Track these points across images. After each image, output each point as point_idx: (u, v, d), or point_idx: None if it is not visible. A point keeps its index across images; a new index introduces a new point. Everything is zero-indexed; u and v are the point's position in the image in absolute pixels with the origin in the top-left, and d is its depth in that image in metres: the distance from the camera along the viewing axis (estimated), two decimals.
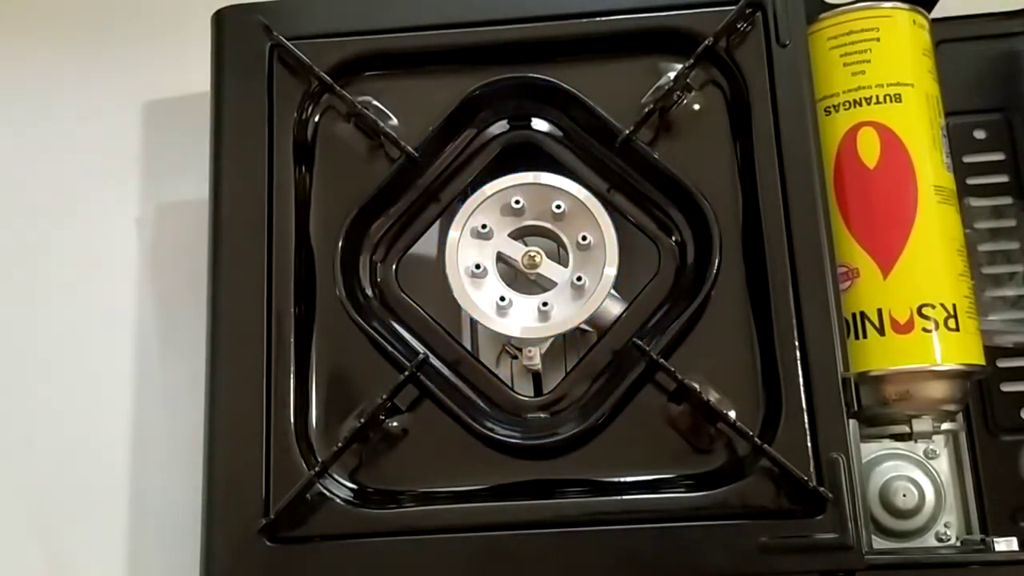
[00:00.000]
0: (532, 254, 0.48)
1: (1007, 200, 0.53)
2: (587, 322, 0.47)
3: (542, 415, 0.46)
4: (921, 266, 0.46)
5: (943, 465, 0.47)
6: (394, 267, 0.50)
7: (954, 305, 0.46)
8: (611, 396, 0.45)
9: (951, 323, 0.46)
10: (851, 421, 0.44)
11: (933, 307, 0.46)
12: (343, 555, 0.44)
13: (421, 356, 0.46)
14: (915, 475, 0.46)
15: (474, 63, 0.50)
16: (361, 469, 0.46)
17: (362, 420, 0.45)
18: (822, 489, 0.42)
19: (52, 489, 0.56)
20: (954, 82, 0.52)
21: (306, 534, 0.45)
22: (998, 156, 0.54)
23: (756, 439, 0.43)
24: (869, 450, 0.47)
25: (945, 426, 0.47)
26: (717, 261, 0.46)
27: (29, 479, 0.56)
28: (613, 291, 0.47)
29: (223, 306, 0.48)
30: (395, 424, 0.46)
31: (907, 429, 0.46)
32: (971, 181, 0.53)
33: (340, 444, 0.45)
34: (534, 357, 0.47)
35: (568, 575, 0.44)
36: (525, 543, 0.44)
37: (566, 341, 0.50)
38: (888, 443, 0.47)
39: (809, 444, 0.43)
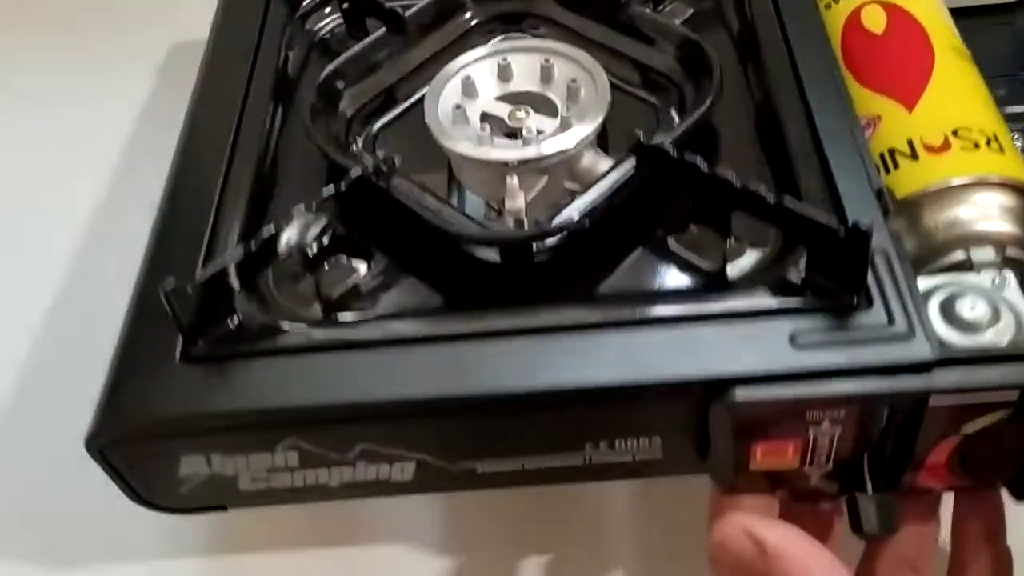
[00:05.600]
0: (518, 109, 0.44)
1: None
2: (574, 178, 0.42)
3: (525, 232, 0.39)
4: (950, 93, 0.42)
5: (1015, 296, 0.38)
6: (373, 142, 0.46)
7: (995, 133, 0.41)
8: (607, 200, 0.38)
9: (994, 145, 0.40)
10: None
11: (970, 130, 0.40)
12: (273, 371, 0.35)
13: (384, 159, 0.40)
14: (983, 291, 0.37)
15: None
16: (299, 288, 0.39)
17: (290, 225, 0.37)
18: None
19: None
20: None
21: (234, 352, 0.36)
22: None
23: (783, 200, 0.35)
24: (922, 285, 0.38)
25: (1011, 252, 0.38)
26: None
27: None
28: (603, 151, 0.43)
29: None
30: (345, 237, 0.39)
31: (964, 255, 0.38)
32: None
33: (256, 244, 0.36)
34: (518, 201, 0.42)
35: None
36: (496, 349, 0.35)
37: None
38: (944, 276, 0.39)
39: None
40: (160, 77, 0.68)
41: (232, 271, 0.36)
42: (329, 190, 0.37)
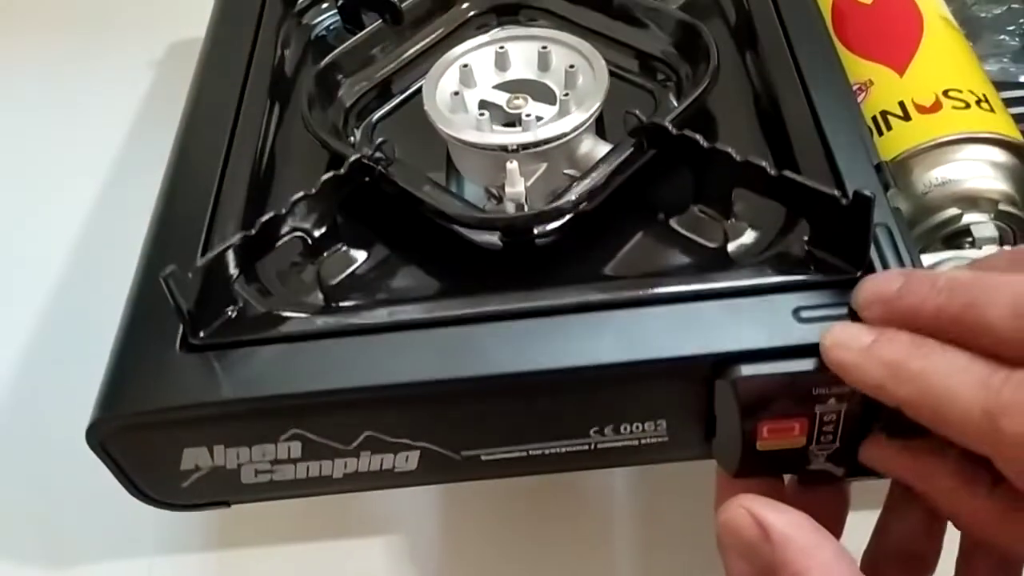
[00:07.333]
0: (517, 96, 0.44)
1: None
2: (573, 164, 0.42)
3: (526, 213, 0.39)
4: (940, 57, 0.42)
5: None
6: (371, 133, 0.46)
7: (984, 94, 0.40)
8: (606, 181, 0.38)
9: (984, 105, 0.40)
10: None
11: (960, 91, 0.40)
12: (274, 359, 0.35)
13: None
14: None
15: None
16: (299, 278, 0.38)
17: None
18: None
19: None
20: None
21: (235, 340, 0.36)
22: None
23: (784, 172, 0.34)
24: (926, 261, 0.38)
25: (1004, 207, 0.38)
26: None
27: None
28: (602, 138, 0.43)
29: None
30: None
31: (957, 212, 0.38)
32: None
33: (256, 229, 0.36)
34: (518, 187, 0.41)
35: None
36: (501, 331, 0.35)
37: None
38: (948, 252, 0.38)
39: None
40: (158, 75, 0.68)
41: (232, 257, 0.35)
42: (328, 175, 0.37)
